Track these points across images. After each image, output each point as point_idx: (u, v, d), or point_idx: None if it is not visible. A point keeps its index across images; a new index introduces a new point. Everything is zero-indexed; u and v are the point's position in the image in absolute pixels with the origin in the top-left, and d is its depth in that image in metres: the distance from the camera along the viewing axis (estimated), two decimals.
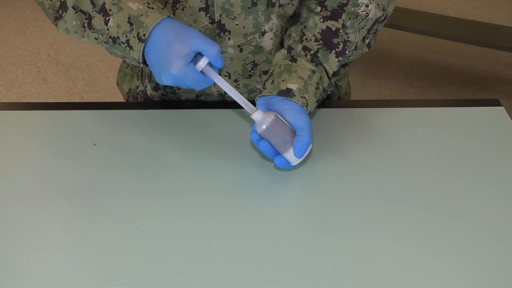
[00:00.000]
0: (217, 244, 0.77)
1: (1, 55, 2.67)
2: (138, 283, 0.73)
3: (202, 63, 0.79)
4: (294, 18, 0.97)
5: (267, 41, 0.95)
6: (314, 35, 0.89)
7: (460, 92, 2.44)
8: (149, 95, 1.05)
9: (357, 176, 0.88)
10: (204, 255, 0.76)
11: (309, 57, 0.88)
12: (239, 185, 0.86)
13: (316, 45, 0.89)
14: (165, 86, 1.03)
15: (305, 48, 0.89)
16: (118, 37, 0.82)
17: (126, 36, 0.81)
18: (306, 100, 0.85)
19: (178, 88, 1.02)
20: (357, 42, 0.90)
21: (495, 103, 1.03)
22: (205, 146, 0.93)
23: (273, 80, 0.87)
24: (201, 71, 0.80)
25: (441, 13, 2.72)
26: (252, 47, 0.95)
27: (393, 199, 0.84)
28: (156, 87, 1.03)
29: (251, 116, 0.82)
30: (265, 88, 0.87)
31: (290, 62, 0.88)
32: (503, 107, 1.02)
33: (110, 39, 0.83)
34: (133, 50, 0.81)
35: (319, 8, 0.91)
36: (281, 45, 0.97)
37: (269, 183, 0.86)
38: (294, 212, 0.83)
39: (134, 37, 0.80)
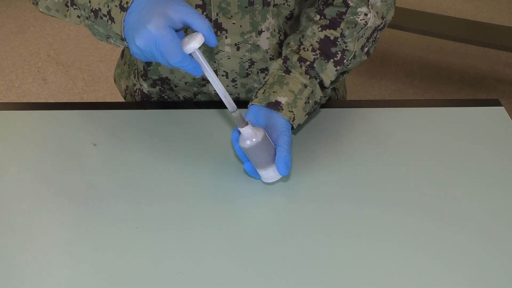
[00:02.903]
0: (217, 244, 0.77)
1: (1, 55, 2.67)
2: (138, 283, 0.73)
3: (197, 42, 0.71)
4: (293, 21, 0.97)
5: (264, 40, 0.95)
6: (311, 45, 0.88)
7: (460, 92, 2.45)
8: (146, 92, 1.05)
9: (357, 176, 0.88)
10: (204, 255, 0.76)
11: (304, 68, 0.87)
12: (239, 185, 0.86)
13: (313, 55, 0.88)
14: (163, 83, 1.02)
15: (301, 59, 0.88)
16: (100, 9, 0.77)
17: (108, 6, 0.76)
18: (294, 114, 0.85)
19: (176, 85, 1.02)
20: (355, 51, 0.89)
21: (495, 103, 1.03)
22: (206, 146, 0.93)
23: (265, 90, 0.87)
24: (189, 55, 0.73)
25: (441, 13, 2.72)
26: (249, 46, 0.95)
27: (392, 199, 0.84)
28: (154, 83, 1.03)
29: (239, 129, 0.80)
30: (257, 97, 0.87)
31: (283, 74, 0.87)
32: (503, 107, 1.02)
33: (92, 13, 0.79)
34: (114, 23, 0.76)
35: (318, 17, 0.90)
36: (279, 46, 0.97)
37: (268, 183, 0.86)
38: (293, 212, 0.83)
39: (116, 6, 0.75)
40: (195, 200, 0.84)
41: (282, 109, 0.84)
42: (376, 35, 0.92)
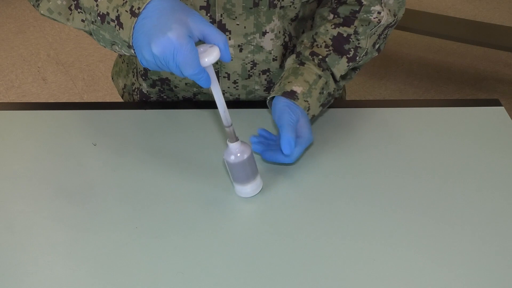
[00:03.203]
0: (217, 244, 0.77)
1: (1, 55, 2.67)
2: (138, 283, 0.72)
3: (214, 57, 0.69)
4: (297, 23, 0.96)
5: (268, 41, 0.95)
6: (324, 41, 0.90)
7: (460, 92, 2.45)
8: (145, 92, 1.05)
9: (357, 176, 0.88)
10: (204, 255, 0.76)
11: (316, 61, 0.89)
12: None
13: (326, 51, 0.90)
14: (162, 83, 1.02)
15: (313, 53, 0.90)
16: (108, 13, 0.74)
17: (117, 11, 0.72)
18: (309, 104, 0.87)
19: (176, 86, 1.02)
20: (367, 48, 0.91)
21: (495, 103, 1.03)
22: (206, 146, 0.93)
23: (281, 82, 0.89)
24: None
25: (441, 13, 2.72)
26: (252, 47, 0.95)
27: (391, 199, 0.84)
28: (153, 83, 1.03)
29: (228, 143, 0.79)
30: (273, 91, 0.89)
31: (298, 66, 0.90)
32: (503, 107, 1.02)
33: (98, 17, 0.75)
34: (123, 28, 0.72)
35: (331, 16, 0.92)
36: (283, 48, 0.97)
37: (268, 183, 0.86)
38: (293, 212, 0.83)
39: (127, 11, 0.71)
40: (195, 200, 0.83)
41: (298, 98, 0.86)
42: (387, 32, 0.93)
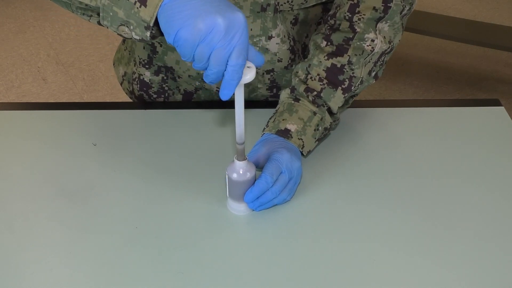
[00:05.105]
0: (217, 244, 0.77)
1: (1, 55, 2.67)
2: (138, 283, 0.72)
3: (250, 77, 0.68)
4: (298, 26, 0.96)
5: (273, 45, 0.94)
6: (318, 74, 0.89)
7: (460, 92, 2.45)
8: (147, 81, 1.04)
9: (356, 176, 0.88)
10: (204, 255, 0.76)
11: (311, 98, 0.88)
12: None
13: (320, 85, 0.89)
14: (167, 71, 1.01)
15: (308, 90, 0.89)
16: None
17: None
18: (303, 142, 0.86)
19: (179, 76, 1.01)
20: (362, 77, 0.90)
21: (495, 103, 1.03)
22: (206, 146, 0.93)
23: (275, 118, 0.88)
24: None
25: (441, 13, 2.72)
26: (257, 48, 0.95)
27: (391, 199, 0.84)
28: (158, 70, 1.02)
29: (235, 160, 0.78)
30: (268, 126, 0.88)
31: (293, 102, 0.89)
32: (503, 107, 1.02)
33: None
34: (145, 6, 0.64)
35: (324, 43, 0.90)
36: (290, 52, 0.96)
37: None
38: (292, 212, 0.83)
39: None
40: (195, 200, 0.83)
41: (292, 137, 0.85)
42: (384, 59, 0.92)
